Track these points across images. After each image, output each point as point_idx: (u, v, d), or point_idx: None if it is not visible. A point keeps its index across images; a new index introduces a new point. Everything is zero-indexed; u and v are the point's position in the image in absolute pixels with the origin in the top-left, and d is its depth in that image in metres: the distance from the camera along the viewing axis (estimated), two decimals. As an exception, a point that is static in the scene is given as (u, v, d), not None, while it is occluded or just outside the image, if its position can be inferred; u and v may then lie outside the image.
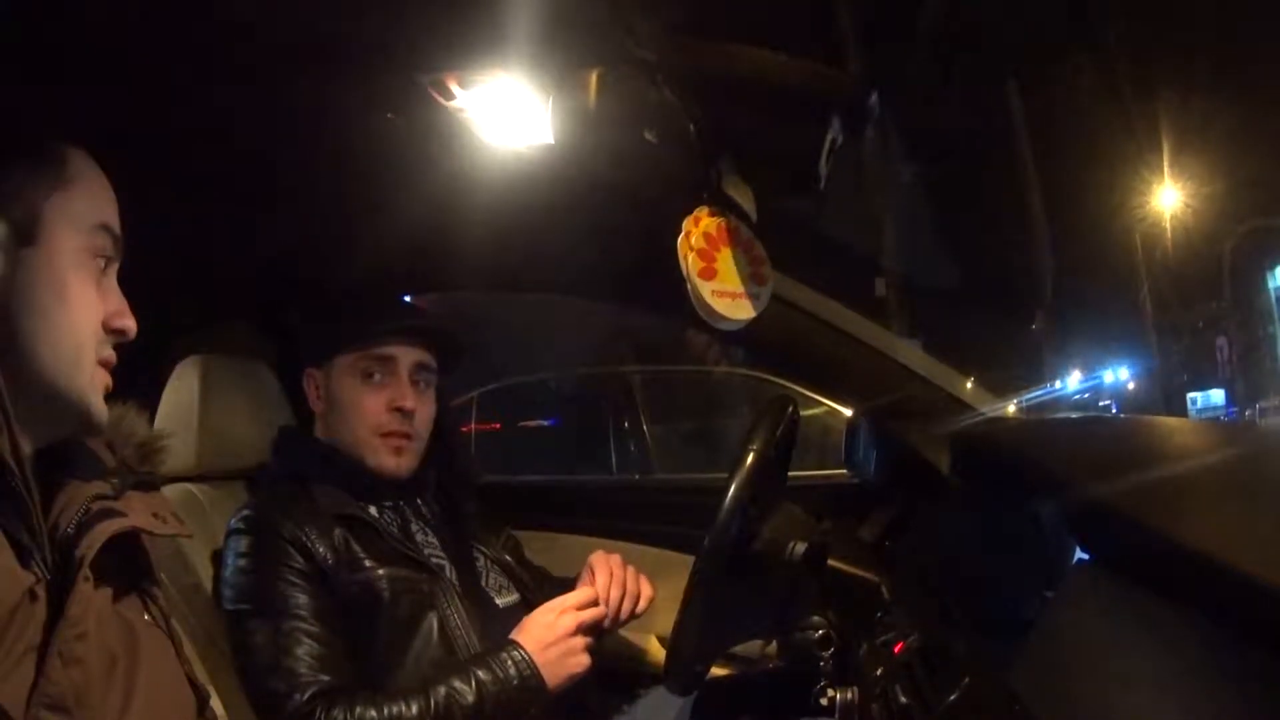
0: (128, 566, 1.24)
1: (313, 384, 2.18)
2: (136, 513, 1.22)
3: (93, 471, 1.22)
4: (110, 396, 1.28)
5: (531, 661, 1.86)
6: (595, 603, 2.00)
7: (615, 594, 2.04)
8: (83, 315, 1.16)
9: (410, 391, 2.14)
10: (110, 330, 1.20)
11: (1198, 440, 1.54)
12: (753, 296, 1.70)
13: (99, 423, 1.20)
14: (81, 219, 1.18)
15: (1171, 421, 1.98)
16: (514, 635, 1.92)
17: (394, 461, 2.13)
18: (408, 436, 2.15)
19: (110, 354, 1.21)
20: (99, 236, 1.20)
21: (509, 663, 1.85)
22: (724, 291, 1.67)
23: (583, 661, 1.93)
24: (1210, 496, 1.08)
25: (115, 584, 1.19)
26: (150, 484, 1.32)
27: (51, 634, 1.01)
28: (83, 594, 1.06)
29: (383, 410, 2.11)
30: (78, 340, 1.15)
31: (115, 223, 1.23)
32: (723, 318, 1.67)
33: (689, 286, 1.65)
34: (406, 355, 2.15)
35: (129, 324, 1.22)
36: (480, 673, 1.82)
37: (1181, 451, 1.39)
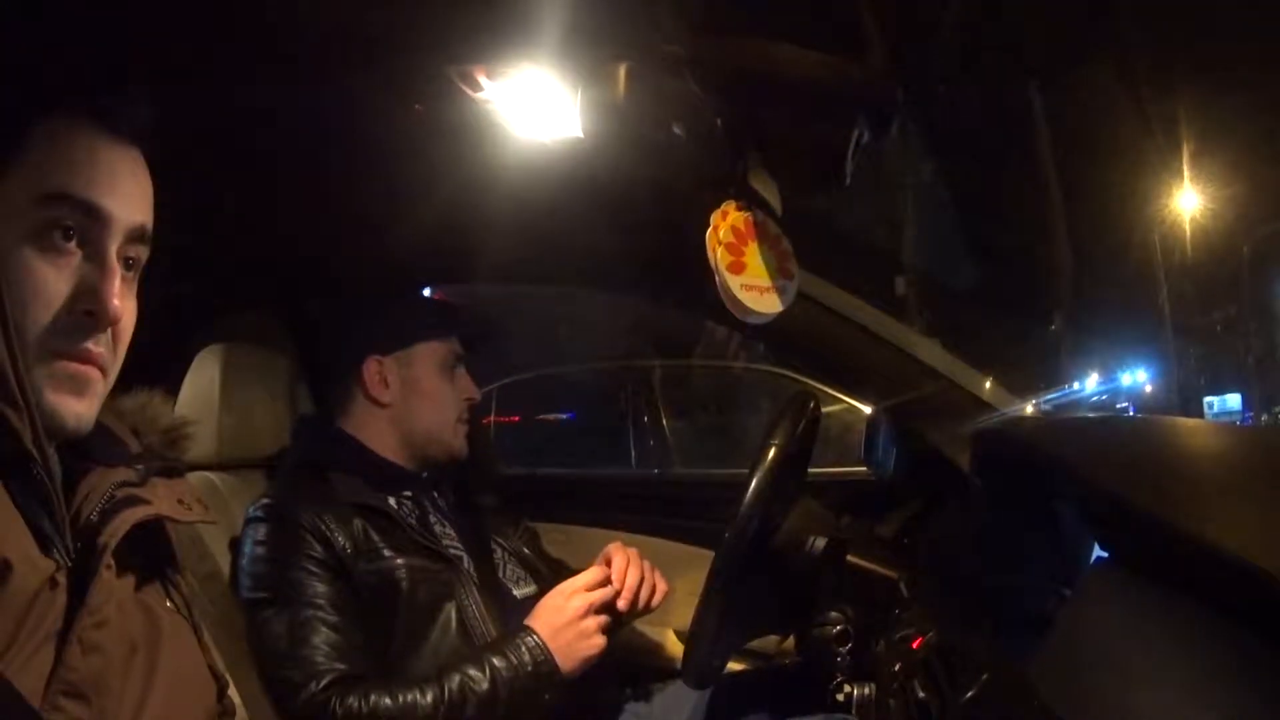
0: (151, 553, 1.24)
1: (377, 370, 2.16)
2: (161, 500, 1.21)
3: (117, 458, 1.20)
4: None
5: (545, 646, 1.86)
6: (605, 584, 1.99)
7: (633, 577, 2.03)
8: (30, 296, 1.04)
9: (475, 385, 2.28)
10: (74, 313, 1.07)
11: (1218, 440, 1.54)
12: (780, 290, 1.71)
13: (70, 426, 1.08)
14: (25, 191, 1.05)
15: (1191, 422, 1.98)
16: (527, 621, 1.92)
17: (464, 445, 2.23)
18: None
19: (83, 346, 1.08)
20: (53, 207, 1.06)
21: (522, 648, 1.85)
22: (753, 285, 1.67)
23: (596, 644, 1.92)
24: (1230, 495, 1.08)
25: (138, 571, 1.19)
26: (175, 470, 1.30)
27: (72, 621, 1.01)
28: (104, 582, 1.06)
29: (460, 399, 2.22)
30: (28, 328, 1.04)
31: (86, 191, 1.08)
32: (752, 312, 1.68)
33: (718, 280, 1.66)
34: (463, 350, 2.27)
35: (97, 305, 1.07)
36: (494, 659, 1.83)
37: (1201, 451, 1.39)
